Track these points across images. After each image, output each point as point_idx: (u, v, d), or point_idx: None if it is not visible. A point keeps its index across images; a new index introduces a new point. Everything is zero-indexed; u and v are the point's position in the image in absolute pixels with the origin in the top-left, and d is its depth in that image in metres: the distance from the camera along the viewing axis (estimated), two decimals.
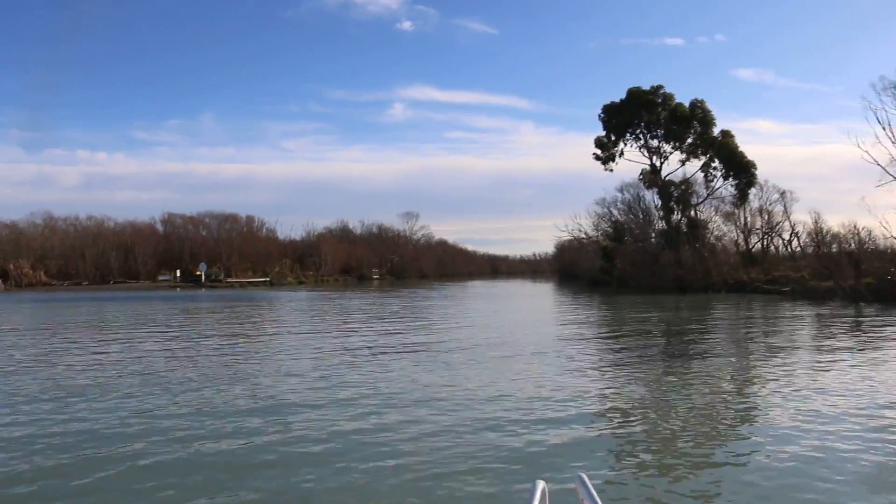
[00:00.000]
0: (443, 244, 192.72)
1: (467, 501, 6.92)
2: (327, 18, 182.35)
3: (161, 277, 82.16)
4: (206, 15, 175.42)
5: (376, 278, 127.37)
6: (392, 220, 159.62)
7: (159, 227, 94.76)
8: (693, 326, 27.45)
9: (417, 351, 18.80)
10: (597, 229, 78.46)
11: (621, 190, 69.11)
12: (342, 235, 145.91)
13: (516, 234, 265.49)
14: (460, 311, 37.33)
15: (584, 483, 2.93)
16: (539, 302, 49.45)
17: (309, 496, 7.08)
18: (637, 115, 65.75)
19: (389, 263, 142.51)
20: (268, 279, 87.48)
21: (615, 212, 70.58)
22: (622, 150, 68.23)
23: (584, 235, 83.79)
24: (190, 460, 8.26)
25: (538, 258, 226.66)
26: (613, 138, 68.47)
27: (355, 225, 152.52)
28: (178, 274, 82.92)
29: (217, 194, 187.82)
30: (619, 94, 67.89)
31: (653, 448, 9.02)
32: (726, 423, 10.48)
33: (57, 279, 79.02)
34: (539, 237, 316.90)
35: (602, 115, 68.94)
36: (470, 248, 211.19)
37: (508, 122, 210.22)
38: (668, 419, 10.53)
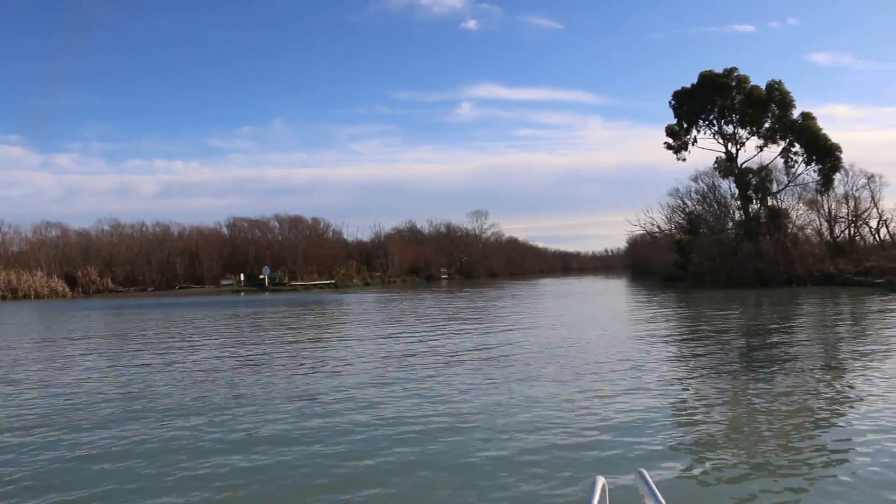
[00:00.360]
0: (512, 242, 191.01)
1: (530, 496, 7.10)
2: (393, 20, 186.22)
3: (224, 282, 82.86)
4: (275, 22, 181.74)
5: (445, 278, 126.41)
6: (461, 220, 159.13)
7: (225, 232, 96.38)
8: (777, 325, 25.02)
9: (491, 356, 17.77)
10: (670, 222, 75.33)
11: (695, 179, 65.70)
12: (410, 236, 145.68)
13: (587, 230, 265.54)
14: (531, 312, 35.57)
15: (644, 478, 2.94)
16: (611, 300, 47.17)
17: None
18: (710, 101, 62.33)
19: (458, 263, 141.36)
20: (333, 282, 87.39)
21: (689, 203, 67.17)
22: (695, 137, 64.96)
23: (656, 229, 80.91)
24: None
25: (610, 254, 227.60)
26: (685, 126, 65.24)
27: (423, 225, 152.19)
28: (242, 278, 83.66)
29: (289, 198, 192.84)
30: (688, 84, 64.50)
31: (722, 452, 8.66)
32: (806, 431, 9.62)
33: (123, 285, 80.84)
34: (610, 232, 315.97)
35: (673, 102, 65.82)
36: (541, 245, 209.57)
37: (576, 117, 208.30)
38: (742, 424, 10.02)
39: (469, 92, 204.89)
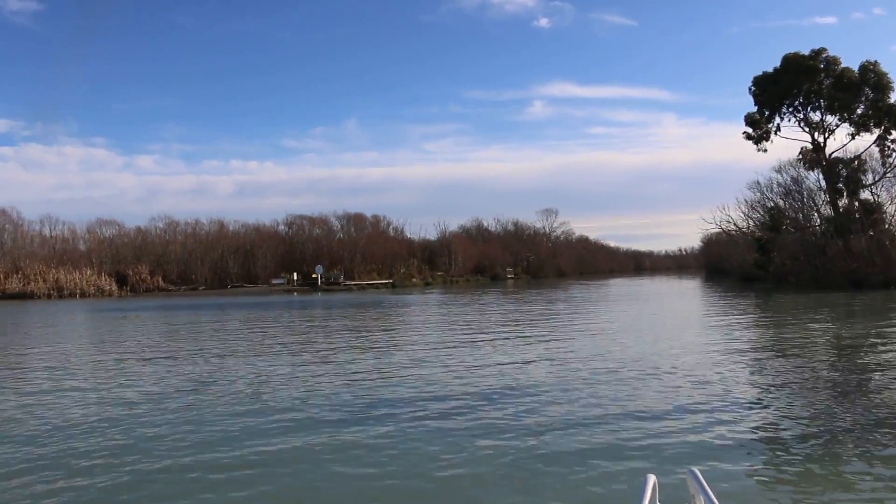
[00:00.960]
0: (583, 241, 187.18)
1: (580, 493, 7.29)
2: (465, 20, 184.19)
3: (275, 281, 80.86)
4: (349, 24, 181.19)
5: (510, 278, 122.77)
6: (531, 218, 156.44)
7: (282, 229, 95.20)
8: (876, 338, 20.81)
9: (562, 363, 16.55)
10: (749, 219, 70.03)
11: (779, 170, 60.28)
12: (476, 234, 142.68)
13: (660, 229, 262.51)
14: (602, 317, 31.81)
15: (696, 477, 2.94)
16: (684, 305, 42.79)
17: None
18: (795, 85, 56.77)
19: (525, 262, 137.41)
20: (390, 281, 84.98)
21: (771, 197, 61.75)
22: (778, 125, 59.46)
23: (733, 227, 76.15)
24: None
25: (684, 253, 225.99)
26: (767, 113, 59.79)
27: (490, 223, 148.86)
28: (296, 277, 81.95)
29: (361, 198, 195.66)
30: (770, 70, 59.10)
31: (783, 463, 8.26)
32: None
33: (175, 284, 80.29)
34: (684, 231, 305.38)
35: (753, 89, 60.47)
36: (612, 244, 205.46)
37: (650, 114, 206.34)
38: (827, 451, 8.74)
39: (541, 90, 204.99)
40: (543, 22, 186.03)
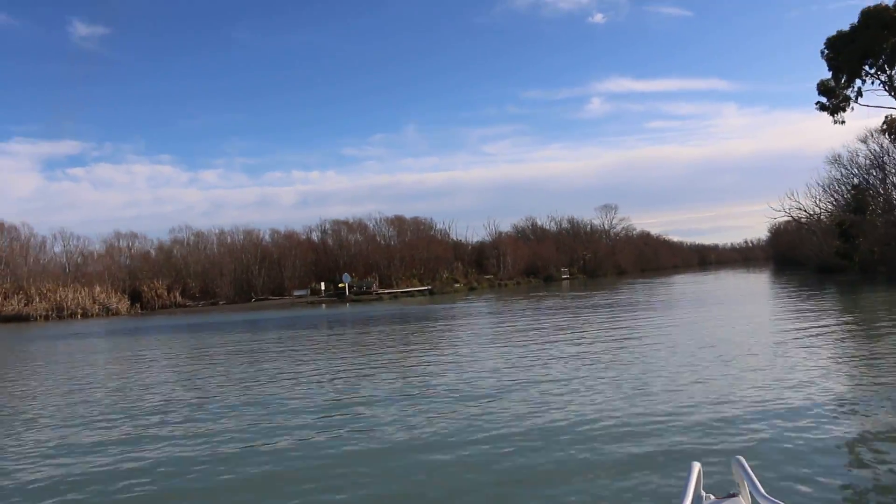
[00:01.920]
0: (644, 236, 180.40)
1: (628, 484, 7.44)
2: (519, 20, 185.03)
3: (297, 293, 75.14)
4: (403, 30, 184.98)
5: (566, 278, 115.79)
6: (590, 216, 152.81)
7: (315, 236, 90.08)
8: None
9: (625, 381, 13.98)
10: (827, 202, 62.09)
11: (864, 140, 52.18)
12: (530, 234, 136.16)
13: (725, 221, 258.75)
14: (667, 329, 24.84)
15: (741, 465, 2.97)
16: (756, 307, 35.65)
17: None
18: (877, 43, 48.77)
19: (581, 261, 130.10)
20: (428, 288, 79.26)
21: (857, 173, 53.51)
22: (859, 90, 51.44)
23: (804, 214, 68.87)
24: None
25: (750, 245, 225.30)
26: (844, 78, 51.94)
27: (544, 221, 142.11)
28: (323, 287, 76.69)
29: (423, 203, 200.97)
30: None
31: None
32: None
33: (196, 299, 76.31)
34: (749, 223, 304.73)
35: (826, 52, 52.50)
36: (675, 239, 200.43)
37: (710, 105, 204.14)
38: None
39: (598, 87, 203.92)
40: (598, 18, 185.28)
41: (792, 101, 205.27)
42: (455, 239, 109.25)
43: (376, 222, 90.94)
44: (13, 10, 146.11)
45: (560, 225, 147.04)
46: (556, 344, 21.46)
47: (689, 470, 2.96)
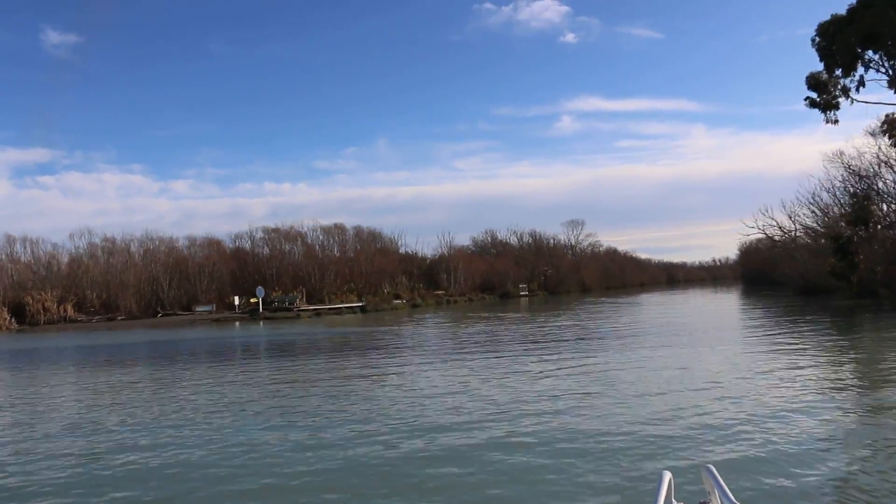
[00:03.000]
0: (611, 253, 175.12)
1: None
2: (492, 38, 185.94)
3: (200, 308, 65.55)
4: (378, 46, 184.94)
5: (524, 295, 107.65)
6: (556, 231, 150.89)
7: (245, 245, 78.91)
8: None
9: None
10: (802, 218, 55.29)
11: (874, 133, 44.68)
12: (490, 247, 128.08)
13: (693, 240, 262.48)
14: (636, 384, 16.76)
15: (711, 473, 3.00)
16: (739, 344, 27.48)
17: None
18: (882, 23, 41.24)
19: (542, 277, 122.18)
20: (361, 304, 70.21)
21: (853, 182, 45.93)
22: (860, 78, 43.75)
23: (779, 232, 63.80)
24: None
25: (718, 263, 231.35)
26: (838, 71, 44.53)
27: (504, 234, 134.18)
28: (237, 301, 67.16)
29: (393, 216, 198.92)
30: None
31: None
32: None
33: (92, 314, 66.02)
34: (716, 243, 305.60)
35: (818, 39, 44.79)
36: (643, 256, 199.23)
37: (679, 126, 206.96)
38: None
39: (569, 105, 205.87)
40: (570, 37, 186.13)
41: (759, 123, 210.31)
42: (407, 251, 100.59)
43: (312, 231, 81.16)
44: None
45: (521, 239, 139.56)
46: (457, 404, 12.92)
47: (659, 479, 3.00)
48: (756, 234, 75.75)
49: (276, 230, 78.70)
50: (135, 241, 73.45)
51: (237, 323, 57.07)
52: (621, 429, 11.22)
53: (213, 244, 76.42)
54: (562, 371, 19.14)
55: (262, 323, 55.42)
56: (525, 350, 25.73)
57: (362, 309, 67.54)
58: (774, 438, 10.37)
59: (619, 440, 10.44)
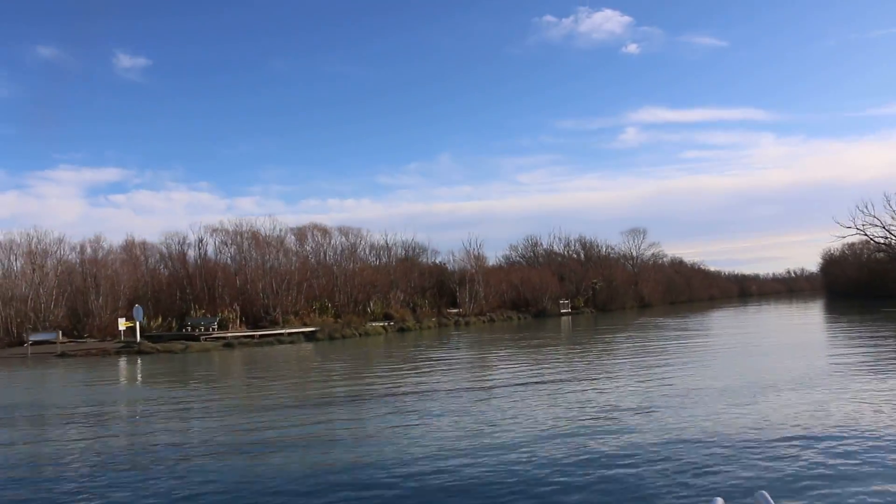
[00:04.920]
0: (676, 264, 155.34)
1: None
2: (553, 50, 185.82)
3: (35, 337, 45.46)
4: (439, 62, 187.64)
5: (566, 313, 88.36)
6: (617, 241, 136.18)
7: (164, 251, 59.68)
8: None
9: None
10: None
11: None
12: (531, 259, 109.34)
13: (764, 252, 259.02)
14: None
15: (765, 499, 3.10)
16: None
17: None
18: None
19: (591, 291, 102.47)
20: (311, 330, 51.06)
21: None
22: None
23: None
24: None
25: (793, 275, 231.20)
26: None
27: (551, 242, 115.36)
28: (122, 326, 47.35)
29: (457, 232, 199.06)
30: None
31: None
32: None
33: None
34: (789, 254, 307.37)
35: None
36: (712, 268, 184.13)
37: (746, 135, 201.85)
38: None
39: (633, 116, 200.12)
40: (632, 48, 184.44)
41: (829, 130, 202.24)
42: (436, 263, 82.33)
43: (273, 232, 62.25)
44: (61, 43, 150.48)
45: (570, 247, 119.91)
46: None
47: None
48: (853, 237, 64.04)
49: (222, 229, 60.26)
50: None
51: (123, 360, 39.68)
52: None
53: (130, 248, 58.64)
54: None
55: (139, 360, 38.00)
56: None
57: (314, 337, 49.19)
58: None
59: None
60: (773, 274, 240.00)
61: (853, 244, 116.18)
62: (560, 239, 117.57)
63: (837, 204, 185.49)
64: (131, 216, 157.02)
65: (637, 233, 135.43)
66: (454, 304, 75.57)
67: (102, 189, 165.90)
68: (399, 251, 78.78)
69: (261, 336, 48.02)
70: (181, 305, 53.51)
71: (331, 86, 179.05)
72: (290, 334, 48.54)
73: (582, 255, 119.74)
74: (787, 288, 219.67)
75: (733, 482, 9.46)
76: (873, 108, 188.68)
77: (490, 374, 25.27)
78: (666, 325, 52.93)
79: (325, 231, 65.50)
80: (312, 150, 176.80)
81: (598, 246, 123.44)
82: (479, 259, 79.89)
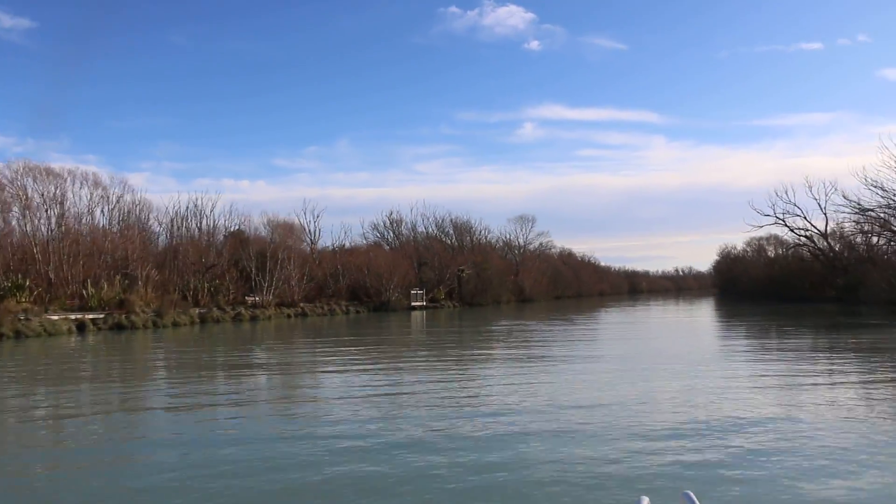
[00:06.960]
0: (565, 255, 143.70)
1: None
2: (456, 42, 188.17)
3: None
4: (343, 46, 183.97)
5: (418, 307, 70.35)
6: (505, 230, 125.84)
7: None
8: None
9: None
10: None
11: None
12: (394, 241, 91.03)
13: (652, 251, 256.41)
14: None
15: (690, 499, 3.02)
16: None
17: None
18: None
19: (456, 279, 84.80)
20: None
21: None
22: None
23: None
24: None
25: (681, 273, 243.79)
26: None
27: (412, 219, 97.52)
28: None
29: (354, 217, 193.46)
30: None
31: None
32: None
33: None
34: (675, 253, 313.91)
35: None
36: (603, 264, 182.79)
37: (640, 137, 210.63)
38: None
39: (531, 112, 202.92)
40: (534, 44, 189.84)
41: (718, 137, 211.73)
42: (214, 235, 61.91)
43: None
44: None
45: (443, 229, 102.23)
46: None
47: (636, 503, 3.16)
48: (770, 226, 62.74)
49: None
50: None
51: None
52: None
53: None
54: None
55: None
56: None
57: None
58: None
59: None
60: (663, 271, 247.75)
61: (759, 238, 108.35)
62: (427, 218, 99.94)
63: (722, 207, 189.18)
64: None
65: (525, 220, 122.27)
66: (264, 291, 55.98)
67: None
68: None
69: None
70: None
71: (229, 64, 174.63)
72: None
73: (454, 240, 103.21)
74: (675, 286, 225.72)
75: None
76: (758, 118, 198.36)
77: None
78: (529, 336, 35.61)
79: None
80: (208, 128, 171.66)
81: (474, 230, 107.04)
82: (296, 232, 60.10)
